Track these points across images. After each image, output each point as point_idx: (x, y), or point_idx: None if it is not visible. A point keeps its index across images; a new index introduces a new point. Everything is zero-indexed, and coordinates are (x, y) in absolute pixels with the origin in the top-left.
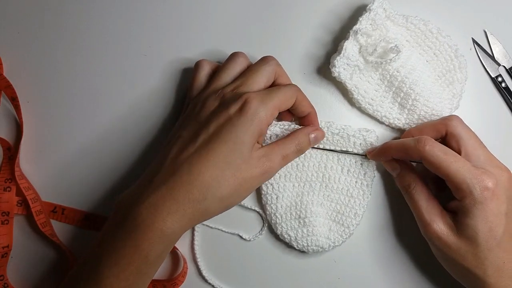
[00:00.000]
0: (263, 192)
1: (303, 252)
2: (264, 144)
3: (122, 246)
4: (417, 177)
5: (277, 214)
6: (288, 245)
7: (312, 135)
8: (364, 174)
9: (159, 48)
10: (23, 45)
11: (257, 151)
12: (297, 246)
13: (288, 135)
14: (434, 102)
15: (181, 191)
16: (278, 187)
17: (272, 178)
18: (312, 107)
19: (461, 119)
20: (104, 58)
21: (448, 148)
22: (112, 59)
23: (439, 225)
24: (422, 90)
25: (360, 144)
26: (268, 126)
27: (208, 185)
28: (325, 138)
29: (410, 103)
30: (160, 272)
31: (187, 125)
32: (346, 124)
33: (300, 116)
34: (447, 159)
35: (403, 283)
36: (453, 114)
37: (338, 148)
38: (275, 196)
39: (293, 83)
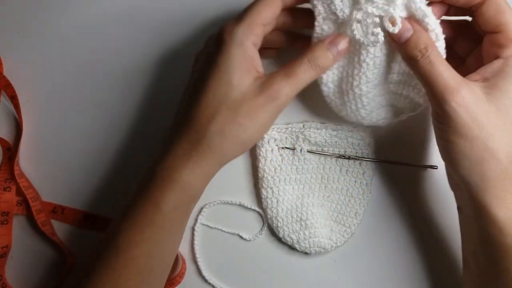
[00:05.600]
0: (263, 196)
1: (304, 253)
2: None
3: (136, 198)
4: (433, 41)
5: (278, 218)
6: (289, 246)
7: (334, 48)
8: (363, 173)
9: (159, 48)
10: (23, 45)
11: (256, 80)
12: (299, 248)
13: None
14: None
15: (183, 138)
16: (278, 191)
17: (272, 181)
18: None
19: None
20: (104, 58)
21: None
22: (112, 58)
23: (467, 92)
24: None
25: (358, 144)
26: (254, 45)
27: (204, 123)
28: (323, 140)
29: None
30: None
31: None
32: (342, 124)
33: None
34: (510, 11)
35: (403, 283)
36: None
37: (336, 150)
38: (275, 200)
39: None
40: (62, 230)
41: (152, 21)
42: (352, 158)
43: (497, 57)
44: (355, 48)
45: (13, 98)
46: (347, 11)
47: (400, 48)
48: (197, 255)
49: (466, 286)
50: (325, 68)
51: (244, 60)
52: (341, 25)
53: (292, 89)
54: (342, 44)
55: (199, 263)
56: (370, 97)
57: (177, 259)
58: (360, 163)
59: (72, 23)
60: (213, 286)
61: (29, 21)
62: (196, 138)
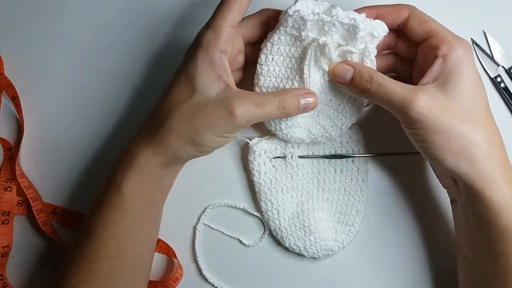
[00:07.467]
0: (263, 210)
1: (312, 258)
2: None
3: (103, 183)
4: (373, 68)
5: (281, 228)
6: (289, 251)
7: (303, 101)
8: (358, 170)
9: (160, 48)
10: (24, 45)
11: (224, 91)
12: (307, 254)
13: (273, 92)
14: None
15: (146, 127)
16: (277, 202)
17: (270, 194)
18: None
19: None
20: (105, 58)
21: None
22: (112, 59)
23: (424, 94)
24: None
25: (347, 142)
26: (222, 53)
27: (163, 117)
28: (312, 143)
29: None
30: (155, 273)
31: None
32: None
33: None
34: (433, 19)
35: (403, 282)
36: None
37: (327, 151)
38: (276, 211)
39: None
40: (62, 230)
41: (153, 22)
42: (344, 157)
43: (436, 57)
44: (299, 68)
45: (15, 99)
46: (311, 35)
47: (349, 86)
48: (198, 255)
49: (462, 275)
50: (288, 114)
51: (210, 68)
52: (295, 42)
53: (256, 118)
54: (312, 101)
55: (200, 262)
56: (293, 116)
57: (172, 262)
58: (353, 160)
59: (74, 24)
60: (213, 285)
61: (30, 21)
62: (155, 129)
